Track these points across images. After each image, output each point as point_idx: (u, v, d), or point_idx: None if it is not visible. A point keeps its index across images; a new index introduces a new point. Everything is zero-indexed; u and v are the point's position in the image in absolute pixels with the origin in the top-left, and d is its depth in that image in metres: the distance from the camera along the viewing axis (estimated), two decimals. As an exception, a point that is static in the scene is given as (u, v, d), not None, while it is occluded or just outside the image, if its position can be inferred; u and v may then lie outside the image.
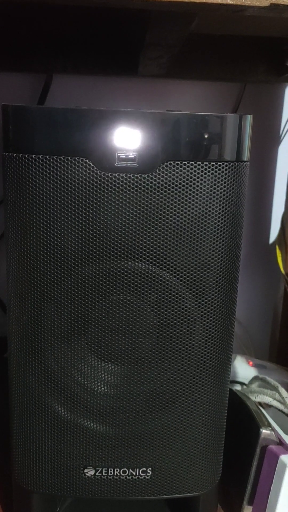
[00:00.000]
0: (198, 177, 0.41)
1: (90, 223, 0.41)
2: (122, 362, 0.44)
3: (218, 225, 0.42)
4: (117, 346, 0.44)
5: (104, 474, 0.46)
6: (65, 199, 0.41)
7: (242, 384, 0.67)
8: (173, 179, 0.41)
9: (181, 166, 0.41)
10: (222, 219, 0.42)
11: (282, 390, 0.58)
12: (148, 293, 0.43)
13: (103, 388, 0.45)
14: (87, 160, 0.40)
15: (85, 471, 0.46)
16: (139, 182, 0.41)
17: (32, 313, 0.43)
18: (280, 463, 0.48)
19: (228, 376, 0.47)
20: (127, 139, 0.40)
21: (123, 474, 0.47)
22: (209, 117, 0.41)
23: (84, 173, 0.40)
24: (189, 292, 0.43)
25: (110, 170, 0.40)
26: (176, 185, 0.41)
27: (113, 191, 0.41)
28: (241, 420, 0.53)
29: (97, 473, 0.46)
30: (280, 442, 0.50)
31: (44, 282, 0.42)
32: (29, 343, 0.44)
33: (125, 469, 0.46)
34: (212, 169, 0.41)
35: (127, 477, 0.47)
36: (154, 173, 0.41)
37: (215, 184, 0.41)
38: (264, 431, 0.50)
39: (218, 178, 0.41)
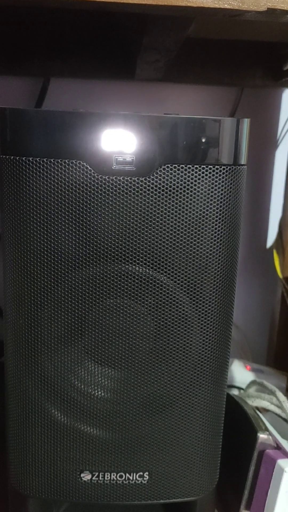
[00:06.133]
0: (195, 181, 0.41)
1: (87, 226, 0.41)
2: (119, 366, 0.44)
3: (216, 229, 0.42)
4: (114, 350, 0.44)
5: (100, 478, 0.46)
6: (62, 202, 0.41)
7: (239, 388, 0.67)
8: (171, 182, 0.41)
9: (178, 170, 0.41)
10: (219, 223, 0.42)
11: (279, 394, 0.58)
12: (145, 297, 0.43)
13: (99, 392, 0.45)
14: (85, 163, 0.40)
15: (82, 475, 0.46)
16: (137, 185, 0.41)
17: (28, 316, 0.43)
18: (278, 467, 0.48)
19: (225, 380, 0.47)
20: (125, 142, 0.40)
21: (119, 479, 0.46)
22: (206, 121, 0.41)
23: (81, 176, 0.40)
24: (186, 296, 0.43)
25: (107, 173, 0.40)
26: (174, 188, 0.41)
27: (111, 194, 0.41)
28: (239, 425, 0.53)
29: (93, 478, 0.46)
30: (278, 447, 0.50)
31: (41, 285, 0.42)
32: (26, 347, 0.43)
33: (121, 473, 0.46)
34: (210, 173, 0.41)
35: (124, 481, 0.46)
36: (151, 176, 0.41)
37: (212, 188, 0.41)
38: (262, 436, 0.50)
39: (216, 181, 0.41)
